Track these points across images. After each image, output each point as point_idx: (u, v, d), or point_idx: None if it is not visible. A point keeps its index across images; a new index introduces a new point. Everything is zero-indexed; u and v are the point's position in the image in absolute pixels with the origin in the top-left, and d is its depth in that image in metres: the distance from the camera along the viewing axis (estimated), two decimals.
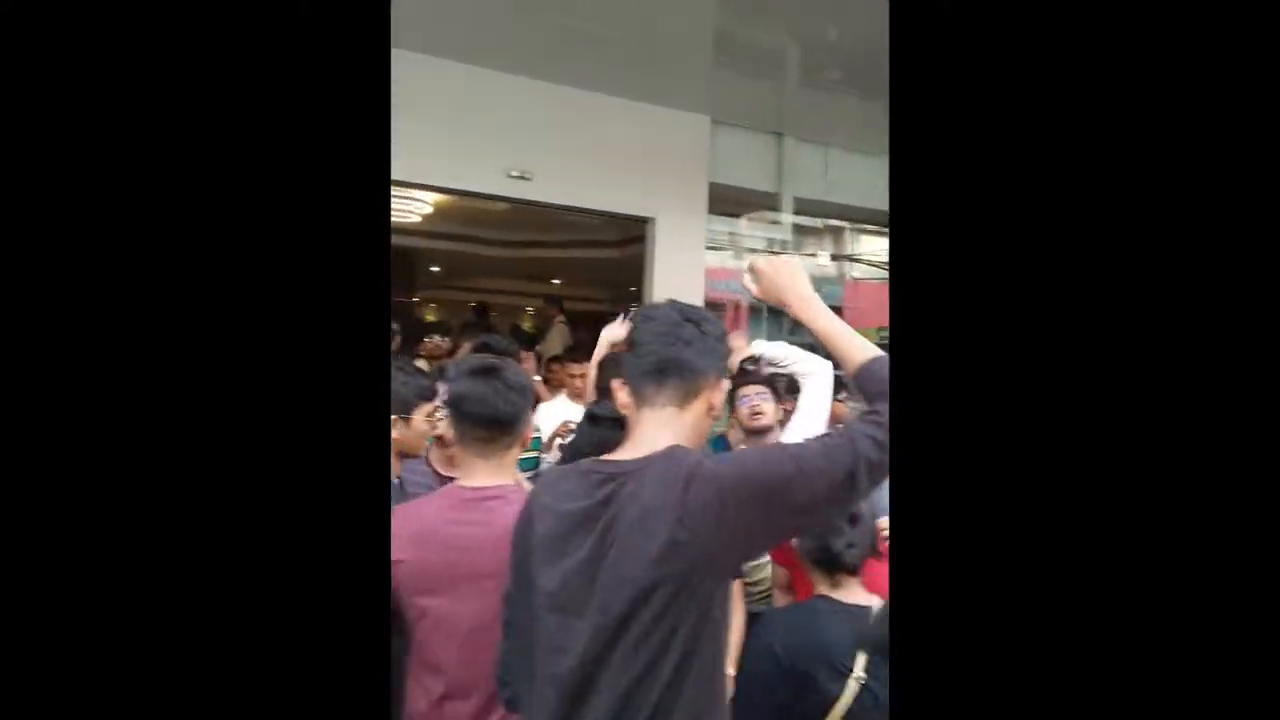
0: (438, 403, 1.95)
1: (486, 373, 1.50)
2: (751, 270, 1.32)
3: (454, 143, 4.19)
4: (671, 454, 1.11)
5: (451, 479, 1.87)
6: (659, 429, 1.16)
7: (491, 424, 1.49)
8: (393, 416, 1.86)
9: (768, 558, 2.21)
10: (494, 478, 1.51)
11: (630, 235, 5.62)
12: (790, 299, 1.25)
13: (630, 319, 1.28)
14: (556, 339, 6.27)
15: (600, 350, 2.28)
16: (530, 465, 2.70)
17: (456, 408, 1.49)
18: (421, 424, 1.92)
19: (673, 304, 1.24)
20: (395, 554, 1.41)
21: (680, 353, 1.17)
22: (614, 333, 2.22)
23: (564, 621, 1.10)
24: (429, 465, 2.25)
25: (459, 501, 1.50)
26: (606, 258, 7.23)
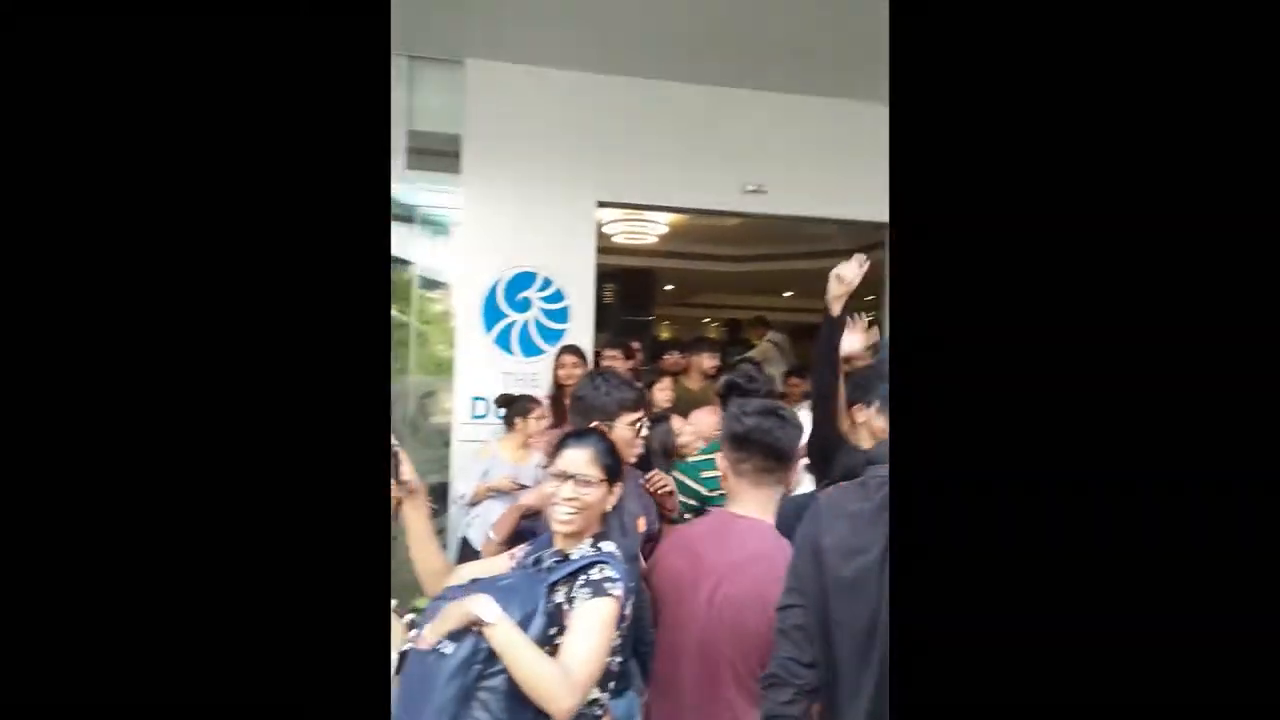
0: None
1: (772, 412, 1.72)
2: None
3: (689, 162, 4.30)
4: None
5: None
6: None
7: (772, 455, 1.68)
8: (595, 423, 1.96)
9: None
10: (757, 509, 1.69)
11: (867, 242, 5.44)
12: None
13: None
14: (766, 354, 6.14)
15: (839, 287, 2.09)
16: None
17: (745, 439, 1.68)
18: (625, 431, 1.99)
19: None
20: (661, 556, 1.75)
21: None
22: (849, 272, 2.07)
23: (866, 607, 1.24)
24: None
25: (721, 525, 1.71)
26: None
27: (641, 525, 1.95)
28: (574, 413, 2.06)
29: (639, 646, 1.90)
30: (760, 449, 1.66)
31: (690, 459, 2.54)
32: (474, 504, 3.31)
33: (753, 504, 1.68)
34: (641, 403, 2.07)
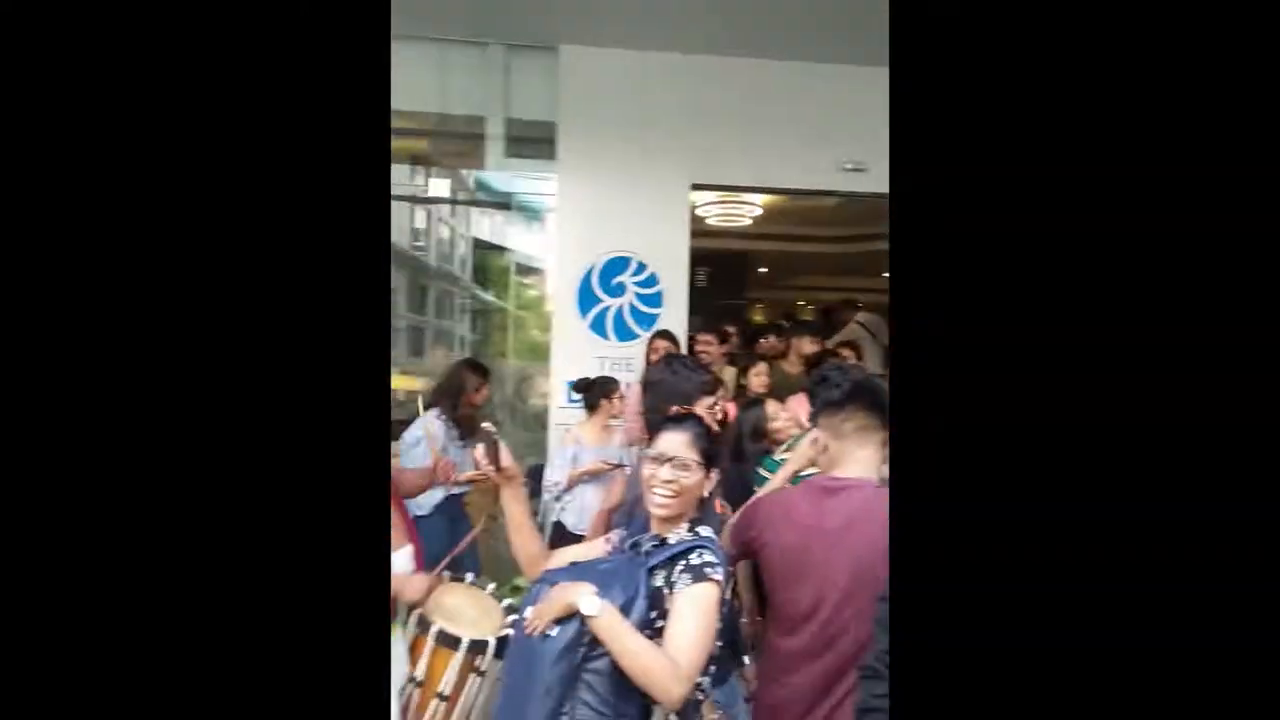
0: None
1: (868, 380, 1.79)
2: None
3: (784, 141, 4.21)
4: None
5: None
6: None
7: (874, 409, 1.68)
8: (675, 408, 1.94)
9: None
10: (860, 469, 1.67)
11: None
12: None
13: None
14: (856, 338, 5.92)
15: None
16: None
17: (845, 398, 1.70)
18: (703, 414, 1.96)
19: None
20: (758, 533, 1.71)
21: None
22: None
23: None
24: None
25: (819, 490, 1.69)
26: None
27: (719, 507, 1.94)
28: (649, 398, 2.06)
29: (732, 632, 1.89)
30: (861, 404, 1.68)
31: (776, 455, 2.50)
32: (568, 489, 3.36)
33: (857, 465, 1.67)
34: (716, 388, 2.08)
